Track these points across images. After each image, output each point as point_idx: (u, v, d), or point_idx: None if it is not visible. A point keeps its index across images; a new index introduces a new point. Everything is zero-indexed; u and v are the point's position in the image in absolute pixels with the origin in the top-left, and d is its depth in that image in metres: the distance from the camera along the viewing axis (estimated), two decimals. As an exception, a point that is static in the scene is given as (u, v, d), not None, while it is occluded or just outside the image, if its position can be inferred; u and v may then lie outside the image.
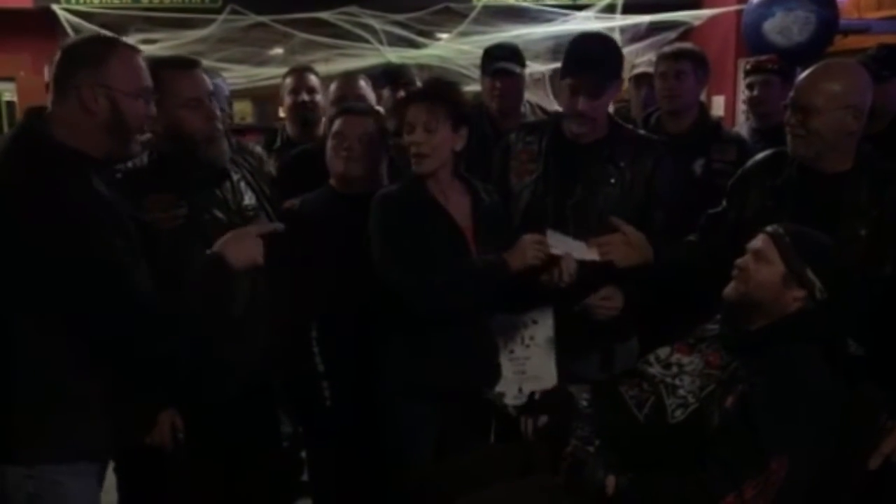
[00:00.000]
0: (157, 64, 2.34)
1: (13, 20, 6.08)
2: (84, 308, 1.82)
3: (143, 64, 1.99)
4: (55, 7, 5.85)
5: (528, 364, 2.54)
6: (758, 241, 2.09)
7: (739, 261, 2.11)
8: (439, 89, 2.43)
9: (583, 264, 2.35)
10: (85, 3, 5.99)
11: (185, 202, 2.30)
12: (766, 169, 2.48)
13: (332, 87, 3.29)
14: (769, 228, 2.10)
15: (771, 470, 1.80)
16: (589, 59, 2.50)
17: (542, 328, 2.54)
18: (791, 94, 2.40)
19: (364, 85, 3.33)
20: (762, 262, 2.05)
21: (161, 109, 2.28)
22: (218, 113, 2.37)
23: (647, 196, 2.54)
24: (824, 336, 2.00)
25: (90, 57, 1.92)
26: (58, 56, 1.96)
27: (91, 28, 5.61)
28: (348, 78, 3.41)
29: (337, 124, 2.61)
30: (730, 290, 2.10)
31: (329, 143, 2.61)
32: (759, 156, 2.59)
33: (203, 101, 2.30)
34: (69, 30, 5.69)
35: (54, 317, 1.83)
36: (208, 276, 2.01)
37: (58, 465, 1.93)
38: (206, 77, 2.39)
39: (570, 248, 2.36)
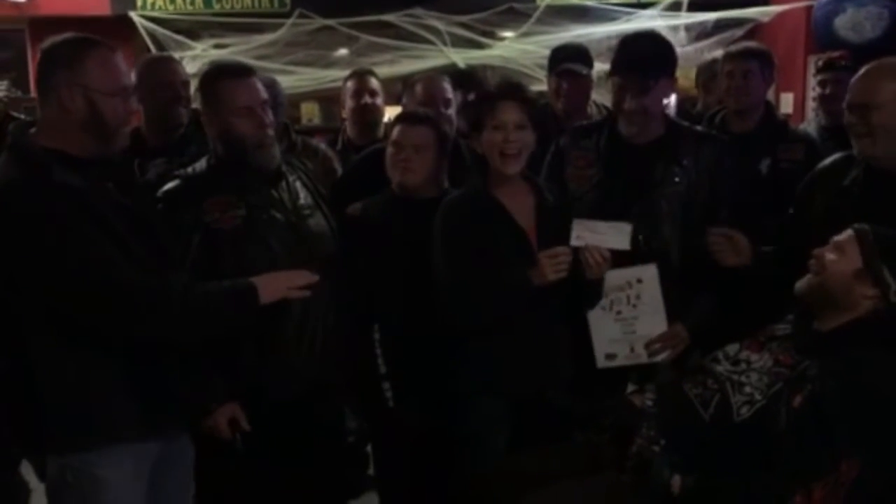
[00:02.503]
0: (213, 72, 2.45)
1: (91, 27, 6.23)
2: (56, 294, 1.90)
3: (120, 63, 2.03)
4: (132, 14, 6.05)
5: (638, 323, 2.50)
6: (842, 235, 2.06)
7: (817, 250, 2.06)
8: (522, 90, 2.45)
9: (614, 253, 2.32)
10: (160, 9, 6.19)
11: (243, 203, 2.36)
12: (834, 171, 2.46)
13: (418, 88, 3.20)
14: (856, 225, 2.05)
15: (841, 471, 1.79)
16: (634, 58, 2.49)
17: (647, 286, 2.48)
18: (847, 96, 2.40)
19: (448, 87, 3.22)
20: (839, 253, 2.02)
21: (215, 115, 2.38)
22: (268, 120, 2.40)
23: (710, 193, 2.51)
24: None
25: (67, 57, 1.97)
26: (39, 58, 2.02)
27: (166, 34, 5.80)
28: (434, 80, 3.29)
29: (395, 133, 2.63)
30: (802, 282, 2.07)
31: (388, 150, 2.64)
32: (828, 160, 2.56)
33: (254, 109, 2.35)
34: (145, 35, 5.89)
35: (53, 305, 1.91)
36: (234, 298, 2.09)
37: (90, 454, 1.98)
38: (260, 86, 2.42)
39: (602, 236, 2.31)
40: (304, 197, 2.51)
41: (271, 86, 3.30)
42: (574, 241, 2.31)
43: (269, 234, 2.37)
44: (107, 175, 2.06)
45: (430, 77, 3.32)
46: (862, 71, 2.40)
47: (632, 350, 2.51)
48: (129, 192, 2.14)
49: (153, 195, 2.37)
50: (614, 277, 2.46)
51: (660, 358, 2.49)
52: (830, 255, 2.03)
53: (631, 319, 2.50)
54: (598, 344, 2.53)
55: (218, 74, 2.43)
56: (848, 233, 2.05)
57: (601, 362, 2.52)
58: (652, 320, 2.49)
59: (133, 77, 2.12)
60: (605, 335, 2.53)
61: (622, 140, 2.56)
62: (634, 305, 2.50)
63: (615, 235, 2.32)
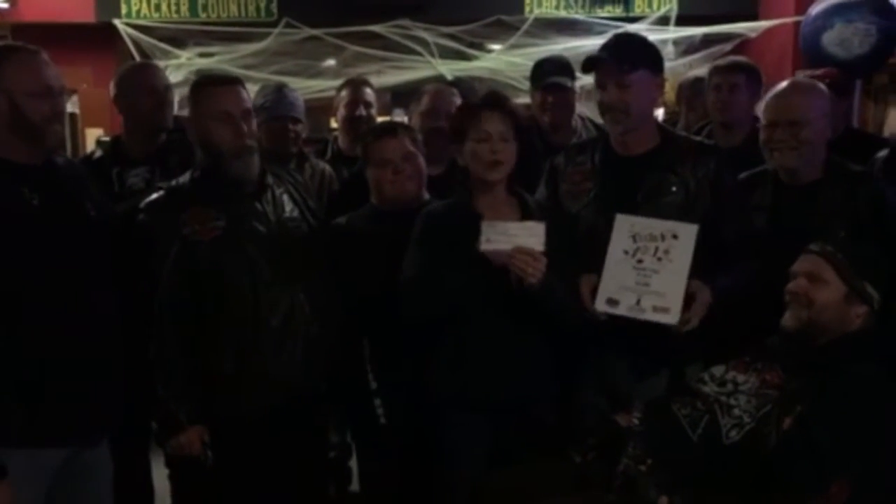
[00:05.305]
0: (199, 80, 2.47)
1: (76, 34, 6.25)
2: None
3: (42, 64, 2.11)
4: (116, 22, 6.02)
5: (655, 278, 2.29)
6: (807, 263, 2.06)
7: (792, 286, 2.07)
8: (506, 101, 2.43)
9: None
10: (145, 17, 6.16)
11: (224, 214, 2.34)
12: (744, 190, 2.60)
13: (424, 99, 3.15)
14: (814, 247, 2.07)
15: (831, 493, 1.77)
16: (607, 45, 2.48)
17: (680, 245, 2.29)
18: (769, 114, 2.57)
19: (457, 100, 3.14)
20: (820, 284, 2.02)
21: (197, 122, 2.39)
22: (247, 130, 2.36)
23: (713, 204, 2.44)
24: (888, 355, 1.95)
25: None
26: None
27: (150, 42, 5.77)
28: (441, 92, 3.23)
29: (378, 150, 2.58)
30: (789, 318, 2.06)
31: (374, 171, 2.59)
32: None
33: (233, 116, 2.33)
34: (129, 44, 5.85)
35: None
36: None
37: None
38: (244, 96, 2.41)
39: (512, 238, 2.18)
40: (290, 210, 2.48)
41: (278, 91, 3.33)
42: (483, 246, 2.20)
43: (249, 246, 2.34)
44: (20, 179, 2.09)
45: (438, 89, 3.28)
46: (782, 89, 2.60)
47: (637, 302, 2.30)
48: (66, 198, 2.17)
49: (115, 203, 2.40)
50: (650, 225, 2.33)
51: (667, 320, 2.27)
52: (811, 289, 2.01)
53: (650, 271, 2.31)
54: (604, 285, 2.34)
55: (202, 82, 2.45)
56: (813, 259, 2.04)
57: (601, 305, 2.32)
58: (671, 279, 2.29)
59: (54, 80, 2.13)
60: (617, 280, 2.34)
61: (616, 154, 2.53)
62: (659, 259, 2.31)
63: (528, 237, 2.19)
